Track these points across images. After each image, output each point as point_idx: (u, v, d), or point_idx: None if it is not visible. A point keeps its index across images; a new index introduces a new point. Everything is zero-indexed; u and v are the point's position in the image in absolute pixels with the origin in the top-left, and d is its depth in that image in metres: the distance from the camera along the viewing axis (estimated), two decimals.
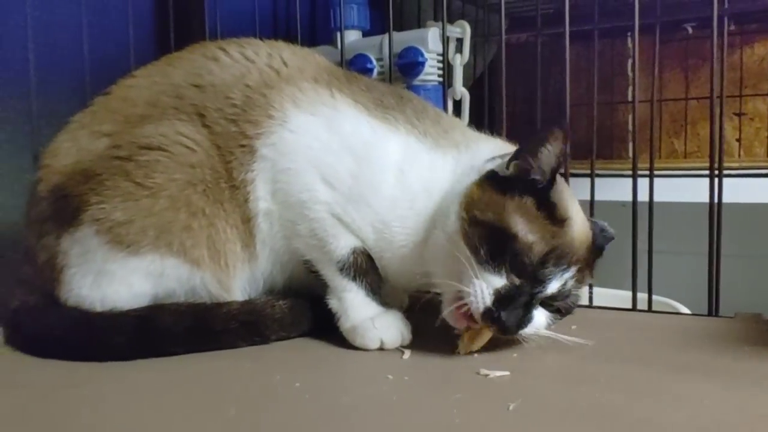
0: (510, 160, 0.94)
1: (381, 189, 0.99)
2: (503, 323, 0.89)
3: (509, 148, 1.01)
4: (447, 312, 0.93)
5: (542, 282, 0.91)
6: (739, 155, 2.38)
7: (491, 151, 1.01)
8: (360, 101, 1.03)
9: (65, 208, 0.99)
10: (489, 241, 0.90)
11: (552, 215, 0.93)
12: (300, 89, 1.03)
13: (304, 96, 1.02)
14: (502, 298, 0.89)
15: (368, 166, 0.99)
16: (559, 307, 0.95)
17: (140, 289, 0.99)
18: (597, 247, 1.00)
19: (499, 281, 0.90)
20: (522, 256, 0.90)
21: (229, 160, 1.01)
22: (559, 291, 0.92)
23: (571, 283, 0.93)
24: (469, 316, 0.91)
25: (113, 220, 0.97)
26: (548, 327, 0.95)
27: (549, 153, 0.91)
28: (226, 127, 1.02)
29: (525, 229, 0.91)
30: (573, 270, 0.93)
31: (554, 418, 0.76)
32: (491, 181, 0.94)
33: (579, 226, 0.96)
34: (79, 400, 0.84)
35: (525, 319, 0.91)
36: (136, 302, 0.99)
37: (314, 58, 1.13)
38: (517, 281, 0.90)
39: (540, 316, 0.94)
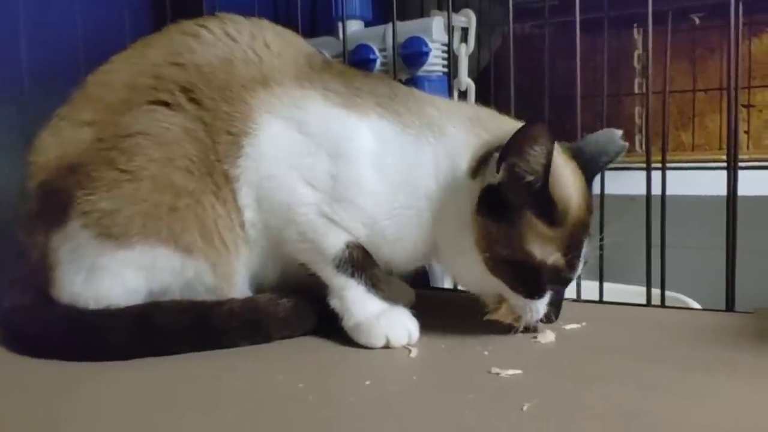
0: (498, 163, 0.90)
1: (362, 185, 0.96)
2: (553, 320, 0.98)
3: (488, 127, 0.99)
4: (494, 315, 0.98)
5: (572, 274, 0.95)
6: (748, 147, 2.34)
7: (466, 138, 0.98)
8: (330, 89, 1.01)
9: (53, 204, 0.96)
10: (524, 277, 0.93)
11: (555, 214, 0.92)
12: (273, 93, 1.00)
13: (277, 100, 1.00)
14: (550, 305, 0.96)
15: (345, 163, 0.97)
16: None
17: (133, 283, 0.96)
18: (601, 166, 1.02)
19: (546, 297, 0.96)
20: (554, 272, 0.93)
21: (217, 141, 0.98)
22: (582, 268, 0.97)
23: (587, 254, 0.96)
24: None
25: (100, 210, 0.94)
26: None
27: (537, 152, 0.88)
28: (218, 105, 0.99)
29: (545, 250, 0.91)
30: (587, 245, 0.95)
31: (571, 418, 0.73)
32: (490, 200, 0.92)
33: (578, 194, 0.94)
34: (75, 401, 0.81)
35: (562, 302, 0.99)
36: (131, 298, 0.96)
37: (296, 41, 1.10)
38: (556, 287, 0.96)
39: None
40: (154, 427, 0.73)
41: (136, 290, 0.97)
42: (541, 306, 0.95)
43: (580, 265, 0.95)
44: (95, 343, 0.93)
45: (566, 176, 0.94)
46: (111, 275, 0.96)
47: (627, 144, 1.02)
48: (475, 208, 0.93)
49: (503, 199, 0.91)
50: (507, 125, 0.99)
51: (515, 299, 0.95)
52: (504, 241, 0.91)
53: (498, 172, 0.90)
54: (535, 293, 0.94)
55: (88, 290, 0.96)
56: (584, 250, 0.94)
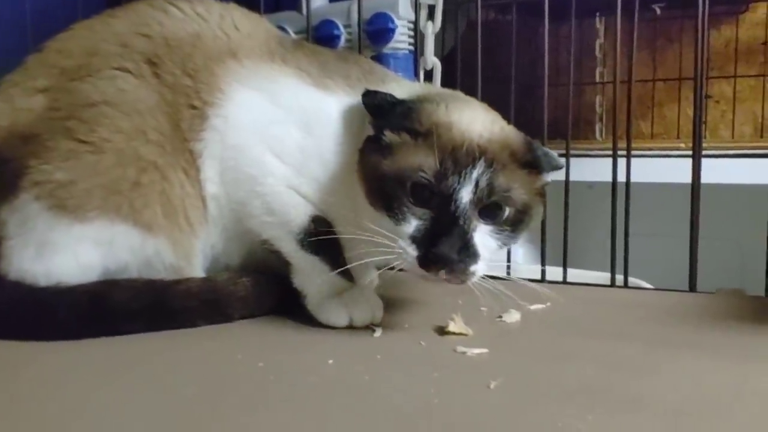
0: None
1: (325, 160, 0.95)
2: (441, 257, 0.82)
3: None
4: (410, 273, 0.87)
5: (450, 196, 0.84)
6: (705, 137, 2.38)
7: None
8: (303, 68, 1.00)
9: (2, 174, 0.92)
10: (385, 189, 0.86)
11: (417, 132, 0.87)
12: (243, 65, 0.99)
13: (247, 71, 0.99)
14: (422, 239, 0.84)
15: (312, 138, 0.96)
16: (504, 217, 0.87)
17: (88, 260, 0.92)
18: (534, 163, 0.91)
19: (409, 226, 0.85)
20: (414, 186, 0.85)
21: (179, 118, 0.96)
22: (477, 193, 0.84)
23: (485, 179, 0.85)
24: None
25: (55, 182, 0.90)
26: (503, 247, 0.89)
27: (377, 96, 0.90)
28: (179, 80, 0.97)
29: (399, 159, 0.86)
30: (480, 166, 0.85)
31: (540, 396, 0.72)
32: (367, 148, 0.91)
33: (464, 126, 0.88)
34: (22, 381, 0.78)
35: (464, 246, 0.83)
36: (85, 276, 0.92)
37: (264, 24, 1.09)
38: (424, 213, 0.85)
39: (485, 239, 0.86)
40: (105, 408, 0.70)
41: (90, 267, 0.93)
42: (404, 243, 0.84)
43: (465, 188, 0.84)
44: (44, 320, 0.89)
45: (452, 113, 0.90)
46: (64, 251, 0.92)
47: (564, 164, 0.98)
48: (358, 159, 0.91)
49: (375, 141, 0.90)
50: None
51: (390, 234, 0.85)
52: (372, 167, 0.88)
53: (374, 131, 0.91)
54: (393, 204, 0.85)
55: (37, 266, 0.91)
56: (475, 173, 0.84)
